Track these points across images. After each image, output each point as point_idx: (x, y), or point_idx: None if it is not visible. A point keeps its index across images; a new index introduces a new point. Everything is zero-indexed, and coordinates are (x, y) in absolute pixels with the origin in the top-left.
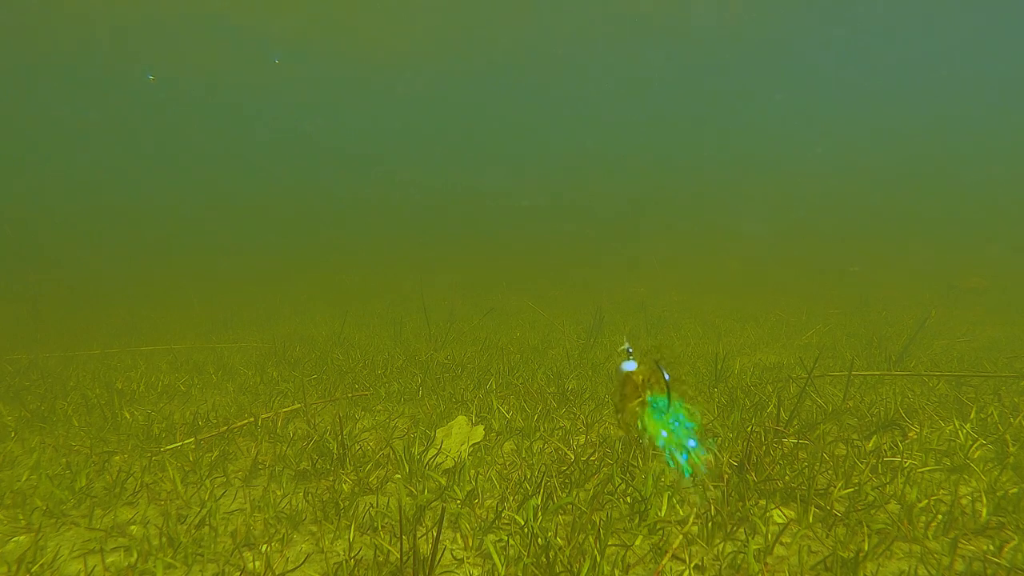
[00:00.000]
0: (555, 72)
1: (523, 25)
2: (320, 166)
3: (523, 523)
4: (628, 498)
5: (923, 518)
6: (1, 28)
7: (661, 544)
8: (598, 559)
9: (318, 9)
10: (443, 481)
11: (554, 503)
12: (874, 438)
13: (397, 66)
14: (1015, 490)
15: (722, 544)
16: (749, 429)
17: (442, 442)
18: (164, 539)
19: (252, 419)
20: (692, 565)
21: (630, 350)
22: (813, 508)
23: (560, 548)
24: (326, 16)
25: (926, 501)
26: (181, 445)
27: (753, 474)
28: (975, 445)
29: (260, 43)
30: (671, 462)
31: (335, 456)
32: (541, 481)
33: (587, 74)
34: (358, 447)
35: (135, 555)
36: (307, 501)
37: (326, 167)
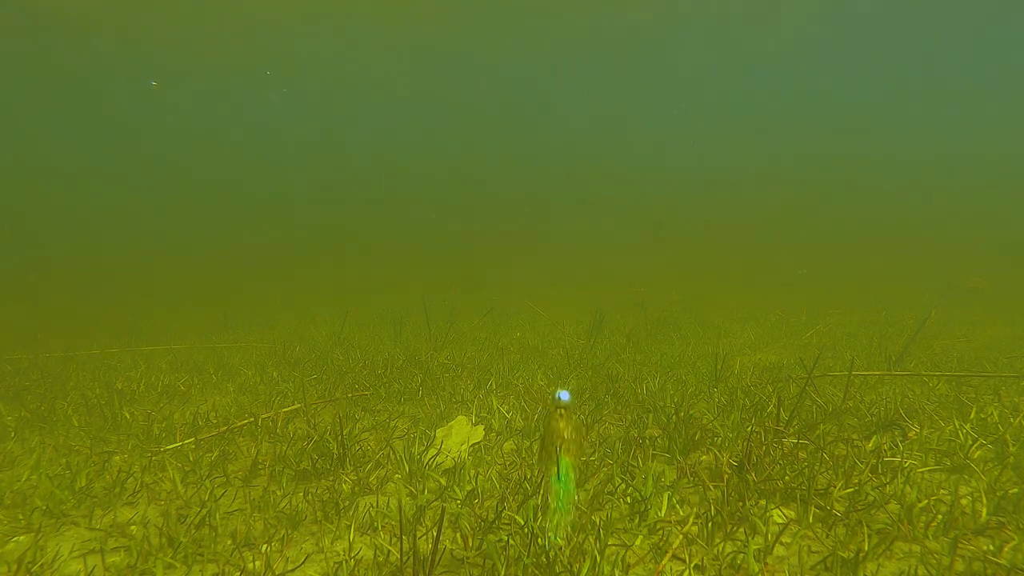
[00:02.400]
0: (552, 70)
1: (546, 18)
2: (320, 169)
3: (523, 523)
4: (628, 498)
5: (923, 518)
6: (3, 28)
7: (661, 544)
8: (598, 559)
9: (315, 16)
10: (443, 481)
11: None
12: (874, 438)
13: (395, 68)
14: (1015, 490)
15: (722, 544)
16: (749, 429)
17: (442, 442)
18: (164, 539)
19: (252, 419)
20: (692, 565)
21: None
22: (813, 508)
23: (560, 548)
24: (323, 21)
25: (926, 501)
26: (181, 445)
27: (753, 474)
28: (975, 445)
29: (259, 46)
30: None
31: (335, 456)
32: (541, 481)
33: (585, 74)
34: (358, 447)
35: (135, 555)
36: (307, 501)
37: (326, 170)
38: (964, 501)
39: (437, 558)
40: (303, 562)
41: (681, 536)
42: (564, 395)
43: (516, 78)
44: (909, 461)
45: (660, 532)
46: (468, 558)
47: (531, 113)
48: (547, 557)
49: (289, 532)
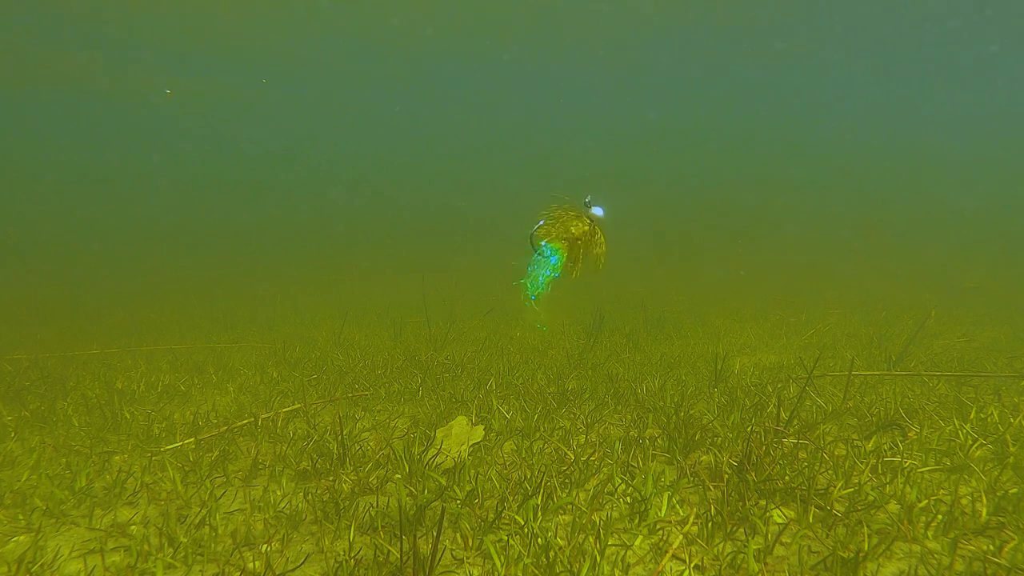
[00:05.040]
0: (548, 73)
1: (543, 27)
2: (320, 170)
3: (523, 523)
4: (628, 498)
5: (923, 518)
6: (5, 31)
7: (661, 544)
8: (598, 559)
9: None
10: (443, 481)
11: (554, 503)
12: (874, 438)
13: (395, 73)
14: (1015, 490)
15: (722, 544)
16: (749, 429)
17: (442, 442)
18: (164, 539)
19: (252, 419)
20: (692, 565)
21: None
22: (813, 508)
23: (560, 548)
24: (323, 30)
25: (926, 501)
26: (181, 445)
27: (753, 474)
28: (975, 445)
29: (259, 53)
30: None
31: (335, 456)
32: (541, 481)
33: (589, 77)
34: (358, 447)
35: (135, 555)
36: (307, 501)
37: (325, 171)
38: (964, 501)
39: (437, 558)
40: (303, 562)
41: (681, 536)
42: (598, 210)
43: (519, 77)
44: (909, 461)
45: (660, 532)
46: (468, 558)
47: (531, 111)
48: (547, 557)
49: (289, 532)
